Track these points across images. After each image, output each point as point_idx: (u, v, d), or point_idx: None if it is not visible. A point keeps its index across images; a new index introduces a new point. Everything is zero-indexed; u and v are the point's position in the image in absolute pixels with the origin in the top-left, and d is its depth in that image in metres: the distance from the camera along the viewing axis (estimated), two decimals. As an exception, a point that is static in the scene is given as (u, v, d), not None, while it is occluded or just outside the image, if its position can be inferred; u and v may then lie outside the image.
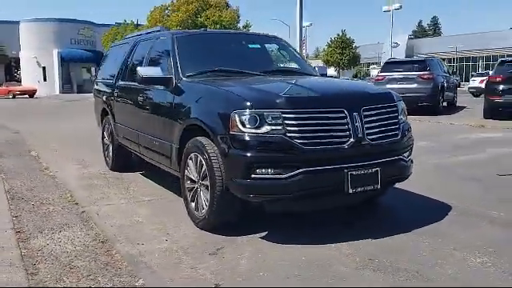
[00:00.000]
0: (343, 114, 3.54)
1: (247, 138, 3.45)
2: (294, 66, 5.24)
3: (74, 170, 6.74)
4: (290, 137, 3.42)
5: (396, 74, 14.62)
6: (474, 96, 27.78)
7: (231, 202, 3.68)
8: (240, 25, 33.41)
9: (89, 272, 3.16)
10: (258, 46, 5.32)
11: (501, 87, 12.39)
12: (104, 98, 6.68)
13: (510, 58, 15.31)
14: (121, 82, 6.03)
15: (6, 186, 5.75)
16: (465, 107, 17.66)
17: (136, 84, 5.34)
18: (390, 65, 15.66)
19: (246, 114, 3.47)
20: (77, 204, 4.87)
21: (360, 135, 3.56)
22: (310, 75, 5.01)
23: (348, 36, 46.00)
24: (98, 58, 48.29)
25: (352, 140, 3.53)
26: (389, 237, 3.69)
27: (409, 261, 3.22)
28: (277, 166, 3.43)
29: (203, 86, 4.20)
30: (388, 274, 3.02)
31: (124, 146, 6.17)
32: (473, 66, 62.86)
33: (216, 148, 3.70)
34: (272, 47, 5.49)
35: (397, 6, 40.16)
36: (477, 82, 29.64)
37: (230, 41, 5.34)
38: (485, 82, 27.73)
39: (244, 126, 3.46)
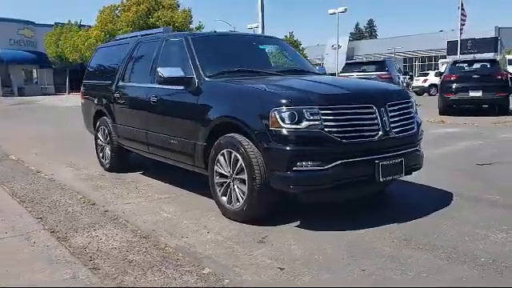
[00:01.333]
0: (372, 110, 3.88)
1: (288, 134, 3.70)
2: (299, 65, 5.52)
3: (68, 173, 6.69)
4: (327, 131, 3.70)
5: (356, 75, 15.30)
6: (418, 94, 29.29)
7: (269, 194, 3.91)
8: (193, 26, 33.43)
9: (150, 264, 3.29)
10: (266, 47, 5.57)
11: (454, 85, 13.35)
12: (99, 99, 6.66)
13: (462, 59, 16.48)
14: (122, 83, 6.07)
15: (8, 190, 5.66)
16: (416, 104, 18.63)
17: (144, 84, 5.47)
18: (351, 65, 16.41)
19: (286, 111, 3.71)
20: (94, 204, 4.90)
21: (387, 128, 3.91)
22: (319, 74, 5.33)
23: (295, 38, 47.08)
24: (40, 60, 46.54)
25: (381, 133, 3.87)
26: (411, 221, 4.05)
27: (440, 240, 3.59)
28: (317, 158, 3.71)
29: (234, 85, 4.40)
30: (429, 251, 3.37)
31: (125, 147, 6.22)
32: (410, 66, 65.97)
33: (252, 143, 3.92)
34: (276, 48, 5.75)
35: (342, 9, 41.51)
36: (420, 82, 31.35)
37: (240, 42, 5.56)
38: (427, 81, 29.47)
39: (284, 122, 3.71)
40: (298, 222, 4.08)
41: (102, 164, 6.80)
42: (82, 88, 7.55)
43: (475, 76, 13.37)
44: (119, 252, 3.55)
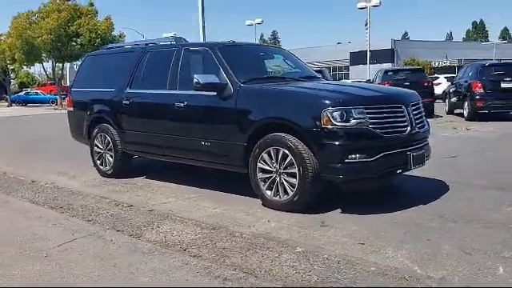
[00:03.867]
0: (402, 109, 4.59)
1: (340, 131, 4.28)
2: (310, 72, 6.14)
3: (68, 181, 6.66)
4: (372, 127, 4.34)
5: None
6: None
7: (318, 184, 4.45)
8: (115, 33, 32.71)
9: (242, 248, 3.66)
10: (281, 56, 6.11)
11: (388, 92, 14.75)
12: (99, 107, 6.72)
13: (391, 68, 18.10)
14: (131, 90, 6.23)
15: (22, 199, 5.61)
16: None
17: (163, 91, 5.75)
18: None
19: (337, 111, 4.29)
20: (131, 206, 5.07)
21: (413, 125, 4.64)
22: (328, 79, 5.98)
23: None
24: None
25: (409, 128, 4.59)
26: (430, 203, 4.78)
27: (466, 214, 4.35)
28: (364, 151, 4.32)
29: (280, 89, 4.89)
30: (466, 223, 4.10)
31: (131, 152, 6.39)
32: (318, 76, 69.70)
33: (300, 140, 4.43)
34: (281, 56, 6.30)
35: (259, 20, 43.18)
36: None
37: (256, 51, 6.04)
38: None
39: (336, 120, 4.28)
40: (340, 210, 4.64)
41: (100, 171, 6.83)
42: (70, 96, 7.50)
43: (406, 83, 14.86)
44: (203, 242, 3.86)
